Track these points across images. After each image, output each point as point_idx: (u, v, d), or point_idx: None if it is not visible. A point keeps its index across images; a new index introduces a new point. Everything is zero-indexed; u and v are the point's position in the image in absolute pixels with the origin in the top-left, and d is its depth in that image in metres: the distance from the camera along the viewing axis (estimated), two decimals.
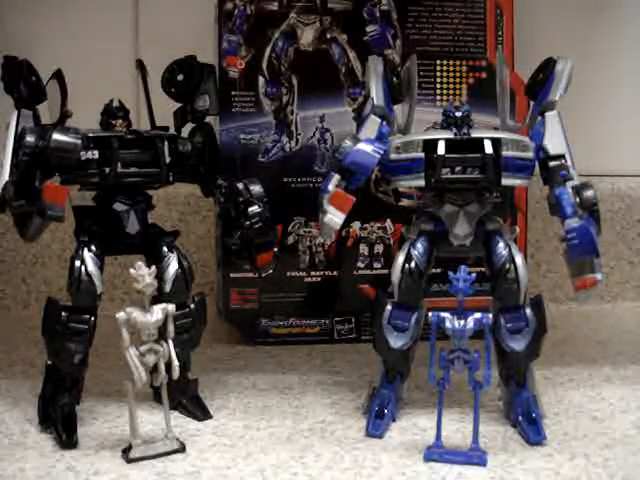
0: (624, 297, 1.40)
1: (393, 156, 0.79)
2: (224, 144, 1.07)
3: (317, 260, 1.12)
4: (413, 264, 0.80)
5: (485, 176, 0.78)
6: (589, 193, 0.77)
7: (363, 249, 1.13)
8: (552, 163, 0.80)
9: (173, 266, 0.83)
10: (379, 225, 1.13)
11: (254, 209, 0.83)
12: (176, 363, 0.74)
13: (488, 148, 0.77)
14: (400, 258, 0.81)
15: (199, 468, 0.72)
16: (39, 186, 0.75)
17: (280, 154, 1.10)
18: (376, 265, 1.13)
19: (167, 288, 0.82)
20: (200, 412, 0.84)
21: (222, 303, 1.12)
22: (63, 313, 0.79)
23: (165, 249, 0.83)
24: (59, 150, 0.76)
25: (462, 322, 0.72)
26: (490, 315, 0.72)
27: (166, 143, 0.82)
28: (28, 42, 1.26)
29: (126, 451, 0.73)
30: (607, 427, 0.81)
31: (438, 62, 1.11)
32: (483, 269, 0.81)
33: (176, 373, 0.74)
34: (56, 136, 0.76)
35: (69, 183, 0.78)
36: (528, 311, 0.79)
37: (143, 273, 0.72)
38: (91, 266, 0.79)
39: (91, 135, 0.79)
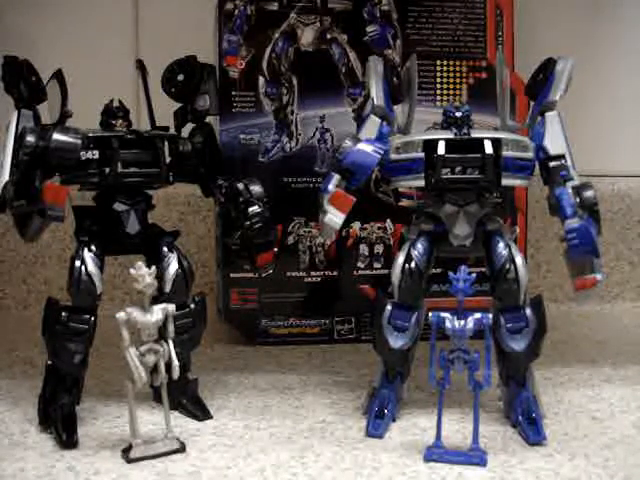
0: (624, 297, 1.40)
1: (393, 156, 0.79)
2: (224, 144, 1.07)
3: (317, 260, 1.12)
4: (413, 264, 0.80)
5: (485, 176, 0.78)
6: (589, 193, 0.77)
7: (363, 249, 1.13)
8: (552, 163, 0.80)
9: (173, 266, 0.83)
10: (379, 225, 1.13)
11: (254, 209, 0.83)
12: (176, 363, 0.74)
13: (488, 148, 0.77)
14: (400, 258, 0.81)
15: (199, 468, 0.72)
16: (39, 186, 0.75)
17: (280, 154, 1.10)
18: (376, 265, 1.13)
19: (167, 288, 0.82)
20: (200, 412, 0.84)
21: (222, 303, 1.12)
22: (63, 313, 0.79)
23: (165, 249, 0.83)
24: (59, 150, 0.76)
25: (462, 322, 0.72)
26: (490, 315, 0.72)
27: (166, 143, 0.82)
28: (28, 42, 1.26)
29: (126, 451, 0.73)
30: (607, 427, 0.81)
31: (438, 62, 1.12)
32: (483, 269, 0.81)
33: (176, 373, 0.74)
34: (56, 136, 0.76)
35: (69, 183, 0.78)
36: (528, 311, 0.79)
37: (143, 273, 0.72)
38: (91, 266, 0.79)
39: (91, 135, 0.79)
